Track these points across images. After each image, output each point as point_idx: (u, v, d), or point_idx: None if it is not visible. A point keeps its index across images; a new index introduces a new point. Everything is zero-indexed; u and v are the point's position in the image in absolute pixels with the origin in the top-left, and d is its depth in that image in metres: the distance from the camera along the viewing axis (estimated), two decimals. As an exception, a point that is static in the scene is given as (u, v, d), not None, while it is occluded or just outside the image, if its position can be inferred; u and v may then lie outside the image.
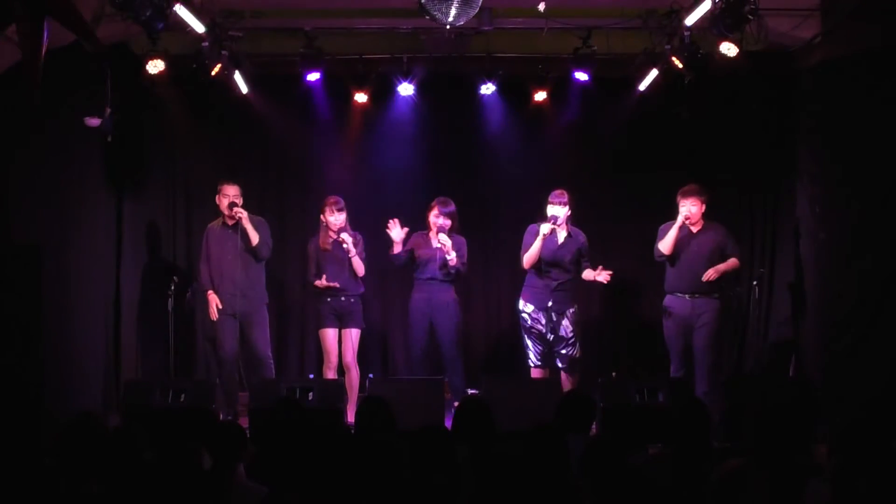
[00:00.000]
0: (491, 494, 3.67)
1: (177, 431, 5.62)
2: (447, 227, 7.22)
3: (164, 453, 3.78)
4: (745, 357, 8.10)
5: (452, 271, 7.21)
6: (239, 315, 7.27)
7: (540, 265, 7.17)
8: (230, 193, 7.22)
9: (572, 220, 7.25)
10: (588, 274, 7.17)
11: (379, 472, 3.62)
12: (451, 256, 7.13)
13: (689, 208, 7.06)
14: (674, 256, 7.12)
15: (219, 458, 4.02)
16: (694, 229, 7.14)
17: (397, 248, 7.23)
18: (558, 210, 7.08)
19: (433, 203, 7.31)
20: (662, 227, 7.24)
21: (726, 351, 8.21)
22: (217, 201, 7.30)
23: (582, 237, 7.28)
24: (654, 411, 6.34)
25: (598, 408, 5.82)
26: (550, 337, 7.20)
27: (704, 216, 7.14)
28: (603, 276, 7.09)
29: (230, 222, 7.26)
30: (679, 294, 7.16)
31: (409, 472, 3.65)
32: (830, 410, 6.29)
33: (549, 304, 7.16)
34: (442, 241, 7.13)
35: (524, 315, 7.26)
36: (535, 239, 7.13)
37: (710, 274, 7.03)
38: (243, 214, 7.15)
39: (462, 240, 7.32)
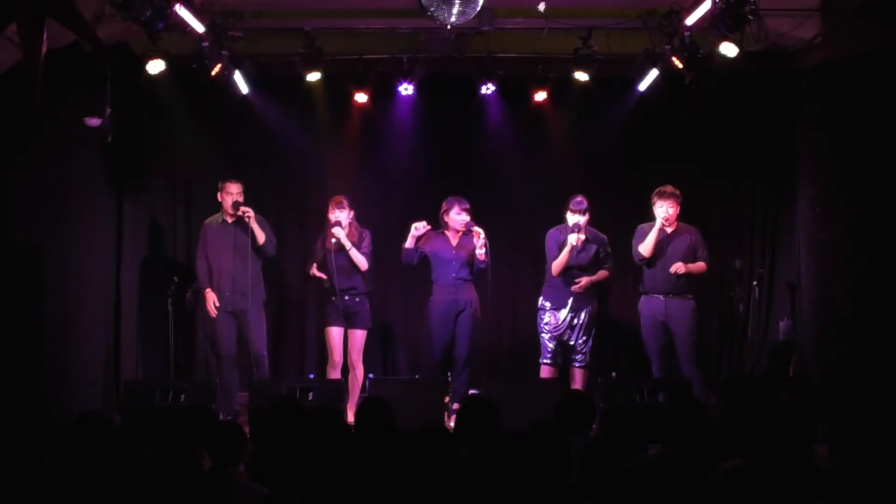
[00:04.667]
0: (491, 495, 3.67)
1: (177, 431, 5.65)
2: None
3: (164, 453, 3.78)
4: (745, 357, 8.10)
5: (482, 266, 7.23)
6: (237, 312, 7.28)
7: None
8: (234, 191, 7.24)
9: (590, 222, 7.32)
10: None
11: (379, 473, 3.61)
12: (482, 252, 7.16)
13: (667, 210, 7.18)
14: (651, 258, 7.20)
15: (219, 458, 4.02)
16: (669, 230, 7.23)
17: (410, 243, 7.24)
18: (580, 218, 7.18)
19: (448, 203, 7.31)
20: (640, 228, 7.35)
21: (726, 351, 8.23)
22: (220, 198, 7.31)
23: (602, 238, 7.39)
24: (654, 411, 6.34)
25: (598, 408, 5.82)
26: (567, 335, 7.28)
27: (677, 217, 7.23)
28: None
29: (230, 220, 7.27)
30: (654, 295, 7.27)
31: (409, 472, 3.65)
32: (830, 410, 6.29)
33: (570, 301, 7.24)
34: (476, 231, 7.17)
35: (543, 314, 7.32)
36: (556, 245, 7.26)
37: (678, 266, 7.12)
38: (251, 214, 7.17)
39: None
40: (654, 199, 7.23)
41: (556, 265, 7.23)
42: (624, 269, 8.31)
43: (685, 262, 7.18)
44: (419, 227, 7.21)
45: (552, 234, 7.36)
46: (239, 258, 7.25)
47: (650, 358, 7.33)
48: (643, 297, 7.37)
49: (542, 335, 7.36)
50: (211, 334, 7.44)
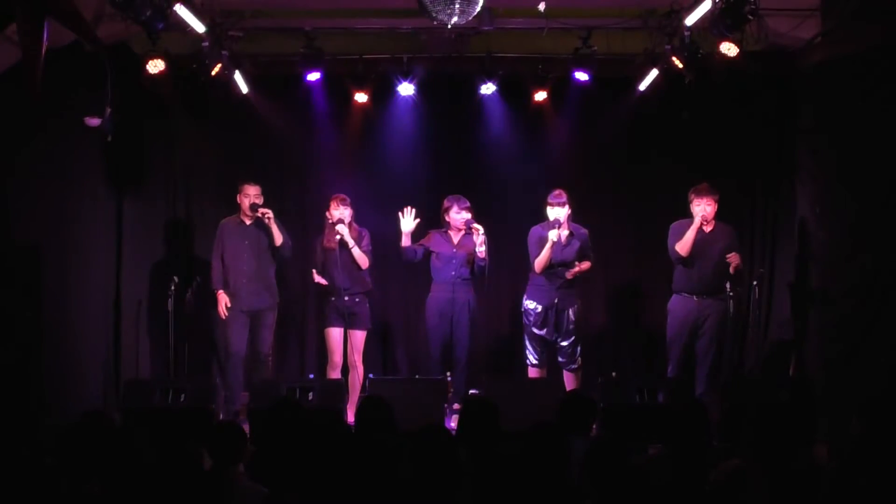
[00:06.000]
0: (491, 494, 3.67)
1: (177, 431, 5.66)
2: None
3: (164, 453, 3.78)
4: (745, 357, 8.10)
5: (482, 263, 7.23)
6: (252, 312, 7.31)
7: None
8: (251, 193, 7.29)
9: (572, 217, 7.27)
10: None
11: (379, 472, 3.61)
12: (483, 249, 7.17)
13: (705, 207, 7.06)
14: (689, 257, 7.10)
15: (219, 458, 4.02)
16: (707, 229, 7.14)
17: (406, 241, 7.25)
18: (559, 212, 7.13)
19: (448, 202, 7.35)
20: (674, 225, 7.23)
21: (726, 351, 8.22)
22: (238, 200, 7.36)
23: (583, 231, 7.33)
24: (654, 411, 6.34)
25: (598, 408, 5.82)
26: (553, 336, 7.24)
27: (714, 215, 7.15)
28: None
29: (248, 221, 7.29)
30: (686, 294, 7.17)
31: (409, 472, 3.65)
32: (830, 410, 6.29)
33: (556, 301, 7.19)
34: (475, 227, 7.18)
35: (528, 314, 7.28)
36: (539, 243, 7.20)
37: (734, 259, 7.01)
38: (270, 215, 7.22)
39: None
40: (692, 196, 7.11)
41: (539, 262, 7.16)
42: (624, 269, 8.33)
43: (721, 262, 7.05)
44: (406, 218, 7.19)
45: (534, 231, 7.30)
46: (256, 259, 7.30)
47: (669, 357, 7.25)
48: (675, 297, 7.24)
49: (527, 338, 7.33)
50: (223, 333, 7.45)
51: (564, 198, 7.16)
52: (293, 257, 7.88)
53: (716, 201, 7.10)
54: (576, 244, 7.24)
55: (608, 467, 3.63)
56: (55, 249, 6.78)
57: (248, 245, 7.31)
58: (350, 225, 7.31)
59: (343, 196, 7.32)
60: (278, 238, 7.27)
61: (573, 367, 7.30)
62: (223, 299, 7.28)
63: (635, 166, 8.27)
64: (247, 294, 7.29)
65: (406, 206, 7.26)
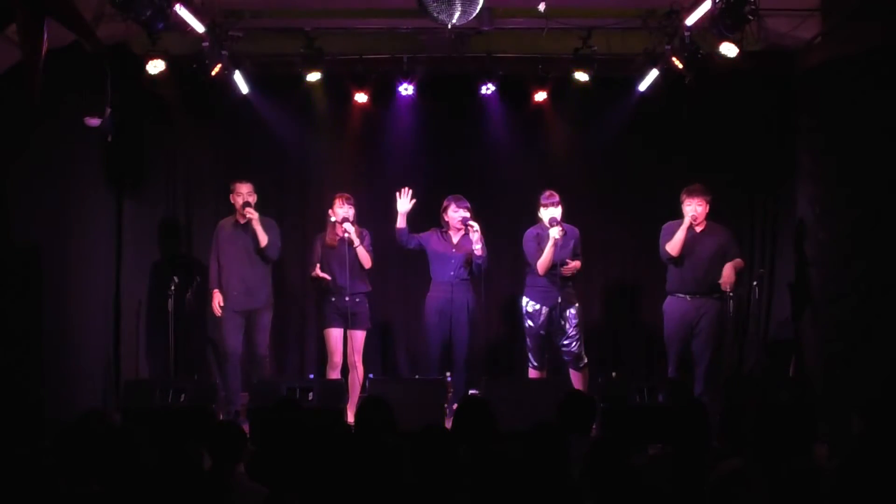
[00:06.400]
0: (491, 495, 3.67)
1: (177, 431, 5.66)
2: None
3: (164, 453, 3.78)
4: (745, 357, 8.10)
5: (479, 261, 7.23)
6: (246, 313, 7.30)
7: None
8: (243, 191, 7.28)
9: (563, 217, 7.27)
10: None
11: (379, 473, 3.61)
12: (479, 247, 7.18)
13: (696, 208, 7.07)
14: (679, 257, 7.12)
15: (219, 458, 4.02)
16: (698, 229, 7.15)
17: (401, 222, 7.25)
18: (553, 211, 7.14)
19: (447, 202, 7.36)
20: (666, 225, 7.25)
21: (726, 351, 8.22)
22: (231, 200, 7.37)
23: (576, 232, 7.34)
24: (654, 411, 6.34)
25: (598, 408, 5.83)
26: (557, 337, 7.23)
27: (707, 216, 7.15)
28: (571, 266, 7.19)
29: (242, 220, 7.31)
30: (680, 295, 7.18)
31: (409, 472, 3.65)
32: (830, 410, 6.29)
33: (559, 300, 7.16)
34: (470, 224, 7.18)
35: (531, 316, 7.28)
36: (536, 245, 7.20)
37: (729, 278, 7.01)
38: (254, 216, 7.21)
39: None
40: (683, 196, 7.12)
41: (543, 263, 7.14)
42: (624, 269, 8.33)
43: (714, 262, 7.05)
44: (402, 199, 7.21)
45: (530, 232, 7.31)
46: (250, 259, 7.30)
47: (669, 357, 7.24)
48: (669, 298, 7.24)
49: (528, 340, 7.33)
50: (218, 334, 7.45)
51: (557, 198, 7.19)
52: (294, 257, 7.91)
53: (707, 202, 7.11)
54: (570, 243, 7.26)
55: (608, 467, 3.63)
56: (55, 249, 6.78)
57: (241, 245, 7.31)
58: (353, 224, 7.31)
59: (347, 195, 7.32)
60: (262, 239, 7.25)
61: (581, 365, 7.29)
62: (217, 298, 7.29)
63: (635, 166, 8.27)
64: (240, 294, 7.29)
65: (404, 188, 7.26)
